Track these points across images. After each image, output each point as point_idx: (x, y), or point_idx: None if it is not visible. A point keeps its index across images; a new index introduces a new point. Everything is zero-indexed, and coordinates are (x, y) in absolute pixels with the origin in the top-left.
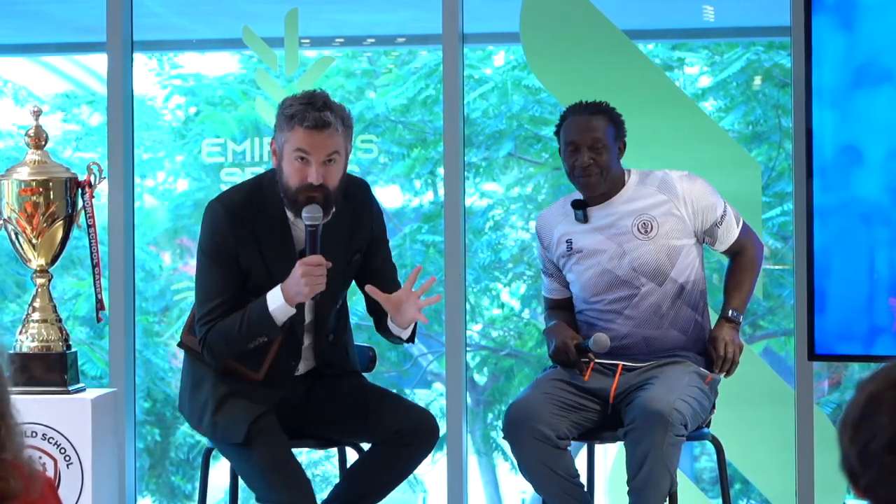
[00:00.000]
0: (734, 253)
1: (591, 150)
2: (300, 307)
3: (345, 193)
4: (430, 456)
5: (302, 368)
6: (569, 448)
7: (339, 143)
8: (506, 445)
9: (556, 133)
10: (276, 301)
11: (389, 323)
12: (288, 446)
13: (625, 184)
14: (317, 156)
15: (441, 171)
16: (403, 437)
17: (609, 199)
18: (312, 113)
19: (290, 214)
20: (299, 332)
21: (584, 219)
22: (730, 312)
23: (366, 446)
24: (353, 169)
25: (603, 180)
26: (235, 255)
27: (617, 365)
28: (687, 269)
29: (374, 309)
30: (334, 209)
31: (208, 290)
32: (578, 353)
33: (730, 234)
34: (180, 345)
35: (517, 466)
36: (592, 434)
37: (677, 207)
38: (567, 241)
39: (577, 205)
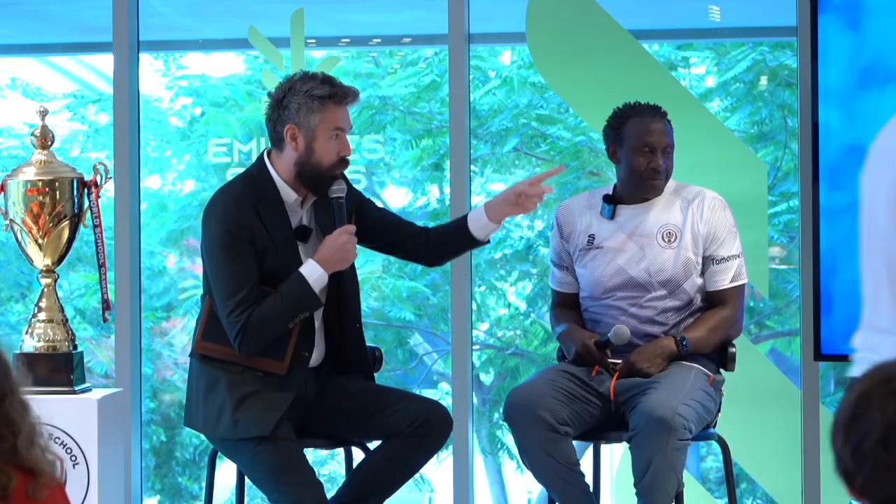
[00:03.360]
0: (714, 302)
1: (663, 154)
2: None
3: None
4: (436, 455)
5: (314, 358)
6: (570, 435)
7: None
8: (509, 439)
9: (614, 129)
10: (314, 273)
11: (471, 227)
12: (301, 449)
13: (662, 190)
14: (348, 129)
15: (447, 166)
16: (418, 428)
17: (644, 201)
18: (345, 89)
19: (285, 198)
20: (312, 317)
21: (612, 215)
22: (683, 338)
23: (373, 445)
24: (357, 168)
25: (664, 184)
26: (251, 239)
27: (619, 364)
28: (696, 286)
29: (391, 232)
30: None
31: (234, 280)
32: (600, 350)
33: (720, 278)
34: (192, 354)
35: (518, 452)
36: (597, 434)
37: (698, 224)
38: (589, 236)
39: (609, 199)
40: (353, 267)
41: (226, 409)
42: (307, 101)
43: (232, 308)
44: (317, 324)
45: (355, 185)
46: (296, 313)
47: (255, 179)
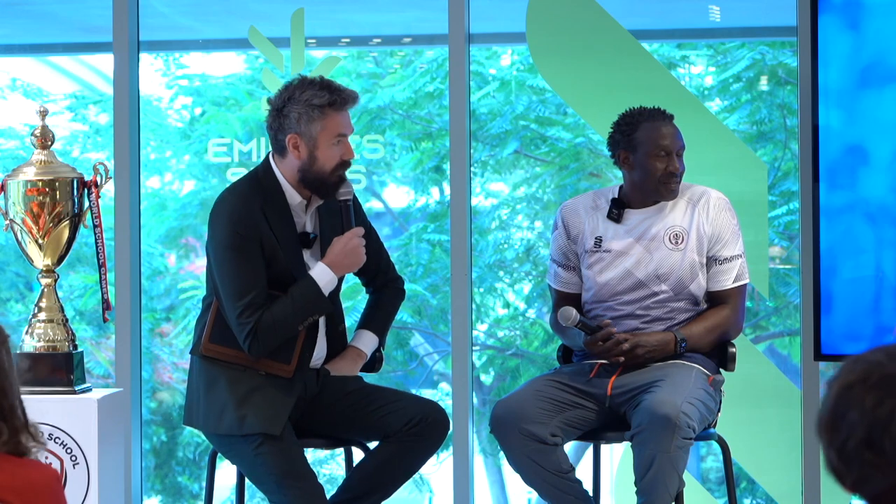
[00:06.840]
0: (715, 302)
1: (678, 158)
2: None
3: None
4: (436, 455)
5: (315, 358)
6: (559, 445)
7: None
8: None
9: (624, 136)
10: (325, 276)
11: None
12: (302, 452)
13: (678, 193)
14: (350, 133)
15: (448, 168)
16: (414, 427)
17: (654, 205)
18: (342, 94)
19: (290, 201)
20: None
21: (619, 219)
22: (683, 339)
23: (372, 445)
24: (357, 168)
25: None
26: (259, 239)
27: (620, 363)
28: (702, 287)
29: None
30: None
31: (243, 282)
32: (593, 333)
33: (723, 278)
34: (198, 353)
35: (508, 463)
36: (596, 434)
37: (703, 225)
38: (596, 238)
39: (617, 203)
40: None
41: (229, 405)
42: (307, 110)
43: (241, 310)
44: (321, 326)
45: (355, 185)
46: (306, 316)
47: (260, 181)
